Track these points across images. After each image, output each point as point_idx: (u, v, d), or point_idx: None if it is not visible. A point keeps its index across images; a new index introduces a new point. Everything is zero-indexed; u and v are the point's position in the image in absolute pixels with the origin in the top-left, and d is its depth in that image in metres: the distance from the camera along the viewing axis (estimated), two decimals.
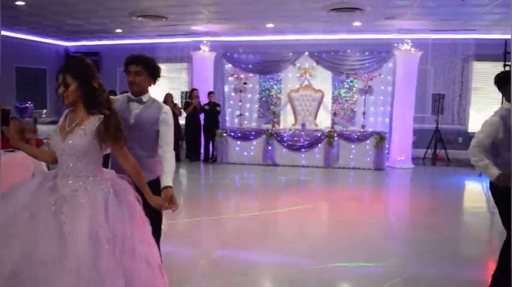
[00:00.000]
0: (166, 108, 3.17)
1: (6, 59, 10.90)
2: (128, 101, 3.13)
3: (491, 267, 4.49)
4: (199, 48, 11.53)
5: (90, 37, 12.01)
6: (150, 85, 3.18)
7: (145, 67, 3.07)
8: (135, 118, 3.06)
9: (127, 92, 3.24)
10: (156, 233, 3.18)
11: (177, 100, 11.61)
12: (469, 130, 11.18)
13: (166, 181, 2.90)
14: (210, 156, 10.88)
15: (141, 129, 3.02)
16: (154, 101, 3.19)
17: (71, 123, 2.56)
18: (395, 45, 10.35)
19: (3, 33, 10.82)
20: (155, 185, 3.08)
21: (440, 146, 10.64)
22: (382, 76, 10.77)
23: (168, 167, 2.98)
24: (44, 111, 10.89)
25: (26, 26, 10.41)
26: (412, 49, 10.17)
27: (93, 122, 2.52)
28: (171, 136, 3.11)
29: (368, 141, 9.85)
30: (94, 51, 12.82)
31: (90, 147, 2.51)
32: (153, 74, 3.14)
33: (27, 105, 8.22)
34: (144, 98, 3.13)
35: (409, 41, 10.16)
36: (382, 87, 10.94)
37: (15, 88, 11.22)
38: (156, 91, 10.36)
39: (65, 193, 2.44)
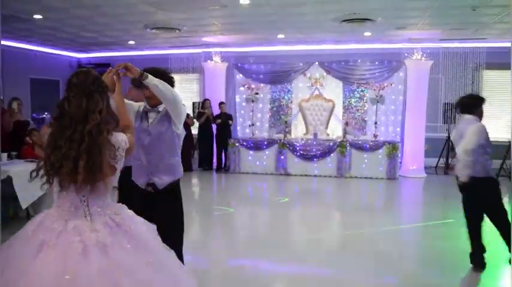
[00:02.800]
0: None
1: (22, 70, 11.20)
2: (144, 111, 3.30)
3: (507, 277, 4.52)
4: (211, 59, 11.66)
5: (102, 49, 12.17)
6: None
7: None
8: (153, 126, 3.25)
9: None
10: (177, 241, 3.32)
11: (189, 110, 11.70)
12: None
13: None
14: (223, 165, 10.96)
15: (159, 134, 3.22)
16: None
17: None
18: (406, 54, 10.42)
19: (19, 45, 11.05)
20: (176, 187, 3.35)
21: (453, 155, 10.62)
22: (393, 85, 10.82)
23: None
24: None
25: (41, 39, 10.58)
26: (423, 58, 10.23)
27: None
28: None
29: (380, 151, 9.87)
30: (106, 62, 12.99)
31: None
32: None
33: (45, 116, 8.33)
34: (160, 107, 3.29)
35: (420, 50, 10.24)
36: (393, 97, 10.99)
37: (30, 99, 11.38)
38: None
39: None
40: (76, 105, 2.19)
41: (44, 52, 12.07)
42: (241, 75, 11.94)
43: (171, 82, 3.24)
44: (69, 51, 12.80)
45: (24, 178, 5.65)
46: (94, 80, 2.28)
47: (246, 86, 11.65)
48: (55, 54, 12.52)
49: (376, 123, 10.62)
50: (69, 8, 7.57)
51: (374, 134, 10.47)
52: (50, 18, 8.31)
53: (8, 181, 5.65)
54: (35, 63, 11.71)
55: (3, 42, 10.50)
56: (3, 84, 10.84)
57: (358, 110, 11.35)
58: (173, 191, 3.34)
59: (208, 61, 11.73)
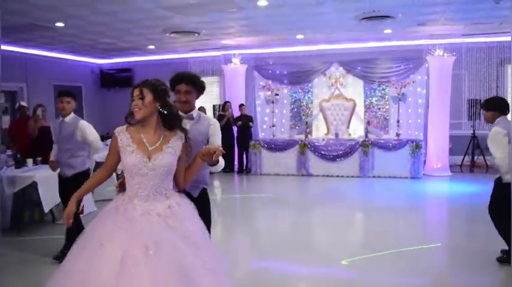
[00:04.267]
0: (214, 120, 3.36)
1: (45, 77, 11.43)
2: None
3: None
4: (230, 62, 11.68)
5: (123, 54, 12.30)
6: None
7: (194, 85, 3.18)
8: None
9: None
10: None
11: (209, 113, 11.75)
12: None
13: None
14: (244, 167, 10.95)
15: (196, 145, 3.06)
16: (201, 115, 3.31)
17: (153, 142, 2.56)
18: (428, 51, 10.24)
19: (41, 53, 11.27)
20: (206, 193, 3.41)
21: (478, 152, 10.39)
22: (415, 83, 10.64)
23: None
24: None
25: (63, 46, 10.76)
26: (445, 54, 10.03)
27: (177, 140, 2.60)
28: (219, 143, 3.23)
29: (403, 150, 9.70)
30: (127, 67, 13.16)
31: (174, 165, 2.59)
32: (201, 90, 3.26)
33: None
34: (194, 113, 3.24)
35: (441, 46, 10.04)
36: (416, 94, 10.82)
37: (53, 105, 11.57)
38: None
39: (160, 211, 2.46)
40: None
41: (66, 59, 12.28)
42: (261, 76, 11.92)
43: (202, 86, 3.24)
44: (91, 58, 12.99)
45: (49, 182, 5.73)
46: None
47: (265, 87, 11.61)
48: (77, 61, 12.73)
49: (398, 121, 10.46)
50: (88, 15, 7.68)
51: (397, 133, 10.31)
52: (71, 25, 8.43)
53: (34, 185, 5.75)
54: (57, 70, 11.94)
55: (27, 51, 10.77)
56: (28, 91, 11.09)
57: (379, 108, 11.22)
58: (204, 196, 3.34)
59: (228, 64, 11.76)
